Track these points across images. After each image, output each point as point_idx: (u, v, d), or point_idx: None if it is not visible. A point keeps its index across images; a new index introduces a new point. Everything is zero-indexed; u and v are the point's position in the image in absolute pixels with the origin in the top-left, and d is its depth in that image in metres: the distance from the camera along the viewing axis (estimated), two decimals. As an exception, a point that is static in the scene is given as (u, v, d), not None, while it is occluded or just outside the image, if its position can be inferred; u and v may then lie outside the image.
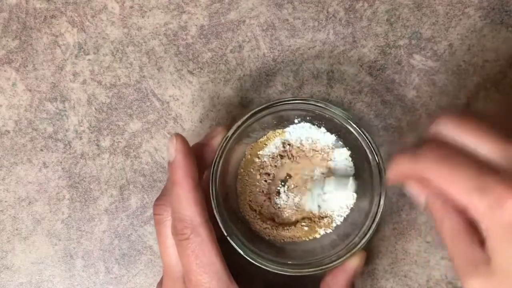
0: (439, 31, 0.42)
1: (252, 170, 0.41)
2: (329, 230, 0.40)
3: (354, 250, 0.37)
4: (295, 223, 0.40)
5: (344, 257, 0.37)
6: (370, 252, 0.42)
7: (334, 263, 0.37)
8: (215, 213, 0.36)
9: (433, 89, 0.42)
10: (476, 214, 0.27)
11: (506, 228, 0.25)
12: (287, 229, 0.40)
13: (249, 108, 0.43)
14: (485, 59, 0.42)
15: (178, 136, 0.35)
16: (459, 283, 0.42)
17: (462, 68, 0.42)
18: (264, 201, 0.41)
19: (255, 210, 0.41)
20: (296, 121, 0.40)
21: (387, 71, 0.42)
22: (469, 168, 0.26)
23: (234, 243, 0.37)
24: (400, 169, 0.30)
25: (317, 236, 0.40)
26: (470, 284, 0.27)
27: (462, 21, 0.42)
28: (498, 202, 0.25)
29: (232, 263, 0.36)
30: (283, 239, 0.40)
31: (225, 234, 0.37)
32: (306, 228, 0.40)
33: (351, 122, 0.37)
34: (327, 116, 0.38)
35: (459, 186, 0.27)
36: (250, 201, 0.41)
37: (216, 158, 0.37)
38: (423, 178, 0.28)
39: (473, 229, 0.28)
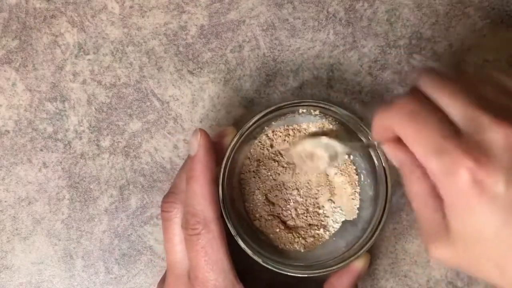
0: (439, 31, 0.42)
1: (257, 170, 0.41)
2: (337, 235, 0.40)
3: (359, 253, 0.37)
4: (302, 227, 0.40)
5: (349, 260, 0.37)
6: (370, 252, 0.42)
7: (339, 265, 0.37)
8: (223, 213, 0.37)
9: (433, 89, 0.42)
10: (433, 177, 0.26)
11: (460, 194, 0.25)
12: (294, 233, 0.40)
13: (249, 108, 0.43)
14: (485, 59, 0.42)
15: (202, 131, 0.35)
16: (459, 282, 0.42)
17: (462, 68, 0.42)
18: (270, 202, 0.41)
19: (262, 211, 0.41)
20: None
21: (387, 71, 0.42)
22: (433, 128, 0.26)
23: (242, 243, 0.37)
24: (377, 123, 0.29)
25: (322, 241, 0.40)
26: (433, 250, 0.27)
27: (462, 21, 0.42)
28: (453, 167, 0.25)
29: (237, 263, 0.36)
30: (290, 243, 0.40)
31: (233, 234, 0.37)
32: (313, 234, 0.40)
33: (361, 129, 0.37)
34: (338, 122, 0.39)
35: (421, 146, 0.26)
36: (256, 201, 0.41)
37: (225, 158, 0.37)
38: (398, 138, 0.28)
39: (439, 197, 0.27)
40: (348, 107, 0.42)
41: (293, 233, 0.40)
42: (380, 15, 0.42)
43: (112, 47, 0.43)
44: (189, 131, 0.43)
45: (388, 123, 0.28)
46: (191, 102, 0.43)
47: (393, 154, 0.29)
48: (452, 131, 0.26)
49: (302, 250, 0.40)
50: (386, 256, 0.42)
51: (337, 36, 0.43)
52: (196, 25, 0.43)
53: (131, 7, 0.43)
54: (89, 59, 0.43)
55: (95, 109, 0.43)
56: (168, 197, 0.37)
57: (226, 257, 0.34)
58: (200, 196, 0.34)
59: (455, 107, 0.26)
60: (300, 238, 0.40)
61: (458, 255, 0.27)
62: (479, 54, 0.42)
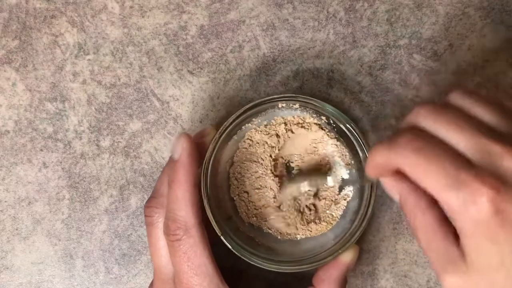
0: (439, 31, 0.42)
1: (244, 167, 0.41)
2: (325, 230, 0.40)
3: (346, 245, 0.37)
4: (292, 220, 0.40)
5: (337, 253, 0.37)
6: (370, 252, 0.42)
7: (328, 258, 0.37)
8: (208, 213, 0.37)
9: (433, 89, 0.42)
10: (450, 210, 0.26)
11: (480, 224, 0.25)
12: (284, 226, 0.40)
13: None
14: (485, 59, 0.42)
15: (186, 136, 0.35)
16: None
17: (462, 68, 0.42)
18: (260, 198, 0.41)
19: (249, 208, 0.41)
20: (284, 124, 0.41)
21: (387, 71, 0.42)
22: (445, 162, 0.26)
23: (228, 242, 0.37)
24: (376, 160, 0.29)
25: (313, 234, 0.40)
26: (447, 280, 0.27)
27: (462, 21, 0.42)
28: (472, 198, 0.25)
29: (232, 264, 0.36)
30: (279, 236, 0.40)
31: (218, 233, 0.37)
32: (303, 226, 0.40)
33: (342, 119, 0.38)
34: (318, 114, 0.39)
35: (434, 181, 0.26)
36: (244, 198, 0.41)
37: (207, 158, 0.37)
38: (398, 171, 0.28)
39: (447, 224, 0.27)
40: (348, 106, 0.42)
41: (288, 223, 0.40)
42: (380, 15, 0.42)
43: (112, 47, 0.43)
44: (189, 131, 0.43)
45: (392, 161, 0.28)
46: (191, 102, 0.43)
47: (394, 187, 0.29)
48: (465, 163, 0.26)
49: (291, 246, 0.40)
50: (386, 256, 0.42)
51: (337, 36, 0.43)
52: (196, 25, 0.43)
53: (131, 7, 0.43)
54: (89, 59, 0.43)
55: (95, 109, 0.43)
56: (150, 202, 0.37)
57: (210, 261, 0.34)
58: (182, 201, 0.34)
59: (462, 139, 0.26)
60: (295, 227, 0.40)
61: (475, 283, 0.27)
62: (479, 54, 0.42)
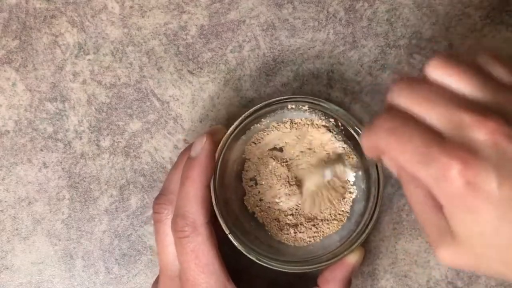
0: (439, 31, 0.42)
1: (252, 168, 0.41)
2: (333, 231, 0.40)
3: (352, 247, 0.37)
4: (299, 223, 0.40)
5: (343, 254, 0.37)
6: (370, 252, 0.42)
7: (334, 259, 0.37)
8: (216, 212, 0.37)
9: (433, 89, 0.42)
10: (426, 185, 0.26)
11: (455, 197, 0.25)
12: (291, 230, 0.40)
13: (249, 108, 0.43)
14: (485, 59, 0.42)
15: (209, 136, 0.36)
16: (459, 282, 0.42)
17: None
18: (269, 199, 0.41)
19: (256, 207, 0.41)
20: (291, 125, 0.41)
21: (387, 71, 0.42)
22: (414, 139, 0.25)
23: (235, 241, 0.37)
24: (365, 143, 0.29)
25: (320, 238, 0.40)
26: (439, 253, 0.27)
27: (462, 21, 0.42)
28: (442, 173, 0.25)
29: (235, 263, 0.36)
30: (286, 241, 0.40)
31: (226, 232, 0.37)
32: (312, 229, 0.40)
33: (350, 122, 0.38)
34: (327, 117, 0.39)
35: (406, 160, 0.26)
36: (253, 200, 0.41)
37: (216, 158, 0.37)
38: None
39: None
40: (348, 106, 0.42)
41: (294, 227, 0.40)
42: (380, 15, 0.42)
43: (112, 47, 0.43)
44: (189, 131, 0.43)
45: (373, 143, 0.28)
46: (191, 102, 0.43)
47: (390, 165, 0.29)
48: (435, 137, 0.25)
49: (305, 244, 0.40)
50: (386, 256, 0.42)
51: (337, 36, 0.43)
52: (196, 25, 0.43)
53: (131, 7, 0.43)
54: (89, 59, 0.43)
55: (95, 109, 0.43)
56: (159, 199, 0.37)
57: (217, 259, 0.34)
58: (193, 198, 0.34)
59: (434, 114, 0.26)
60: (301, 231, 0.40)
61: (465, 256, 0.27)
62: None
